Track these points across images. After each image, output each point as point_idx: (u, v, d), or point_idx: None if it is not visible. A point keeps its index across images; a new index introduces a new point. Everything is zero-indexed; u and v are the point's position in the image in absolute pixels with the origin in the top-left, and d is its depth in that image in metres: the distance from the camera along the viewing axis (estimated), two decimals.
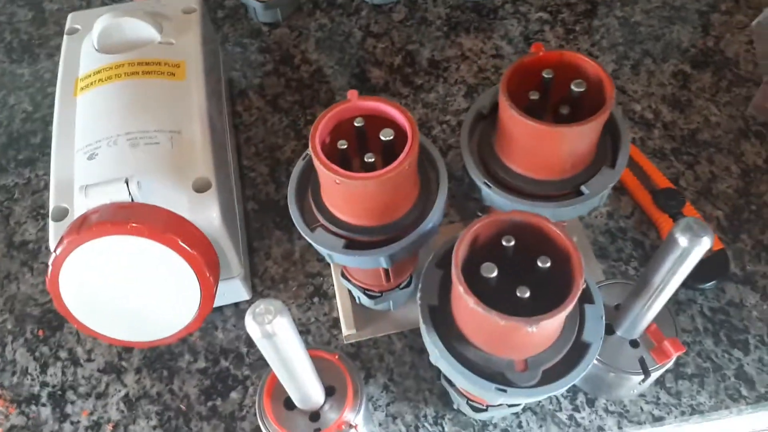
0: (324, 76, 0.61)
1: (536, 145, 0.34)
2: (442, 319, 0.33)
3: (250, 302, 0.49)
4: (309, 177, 0.38)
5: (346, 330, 0.46)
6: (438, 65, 0.61)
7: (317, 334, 0.47)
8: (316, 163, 0.33)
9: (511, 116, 0.33)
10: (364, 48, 0.63)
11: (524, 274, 0.31)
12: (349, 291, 0.47)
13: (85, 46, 0.48)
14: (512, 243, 0.31)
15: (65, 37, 0.50)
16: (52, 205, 0.41)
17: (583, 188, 0.36)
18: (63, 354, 0.48)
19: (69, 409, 0.46)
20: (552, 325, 0.29)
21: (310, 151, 0.34)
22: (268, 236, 0.52)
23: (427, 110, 0.58)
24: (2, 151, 0.58)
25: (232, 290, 0.47)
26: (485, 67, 0.61)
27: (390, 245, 0.36)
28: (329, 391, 0.40)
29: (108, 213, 0.36)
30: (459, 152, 0.55)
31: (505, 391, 0.31)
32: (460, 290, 0.29)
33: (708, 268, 0.47)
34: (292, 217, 0.37)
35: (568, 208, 0.36)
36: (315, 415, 0.39)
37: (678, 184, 0.52)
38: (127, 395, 0.46)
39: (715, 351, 0.45)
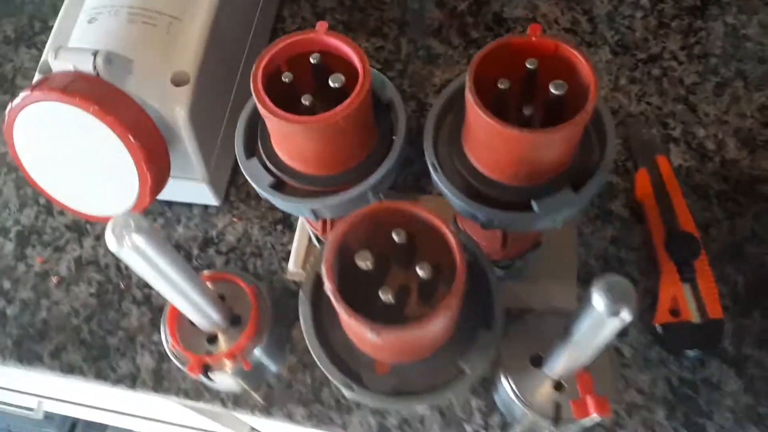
0: (381, 2, 0.57)
1: (488, 139, 0.30)
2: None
3: (219, 208, 0.48)
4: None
5: (293, 267, 0.45)
6: (503, 23, 0.55)
7: (267, 260, 0.46)
8: (252, 88, 0.31)
9: (468, 100, 0.29)
10: None
11: (401, 275, 0.28)
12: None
13: None
14: (402, 238, 0.27)
15: None
16: (42, 58, 0.42)
17: (533, 203, 0.31)
18: (42, 200, 0.50)
19: (29, 251, 0.48)
20: (400, 340, 0.26)
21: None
22: None
23: None
24: None
25: (198, 192, 0.46)
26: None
27: (313, 199, 0.33)
28: (236, 320, 0.39)
29: (64, 80, 0.36)
30: None
31: (352, 388, 0.29)
32: (323, 272, 0.26)
33: (696, 334, 0.41)
34: (236, 138, 0.35)
35: (511, 220, 0.31)
36: (213, 338, 0.39)
37: (706, 232, 0.45)
38: (80, 257, 0.47)
39: (663, 424, 0.40)
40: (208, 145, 0.44)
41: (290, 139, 0.32)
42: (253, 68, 0.31)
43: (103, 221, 0.44)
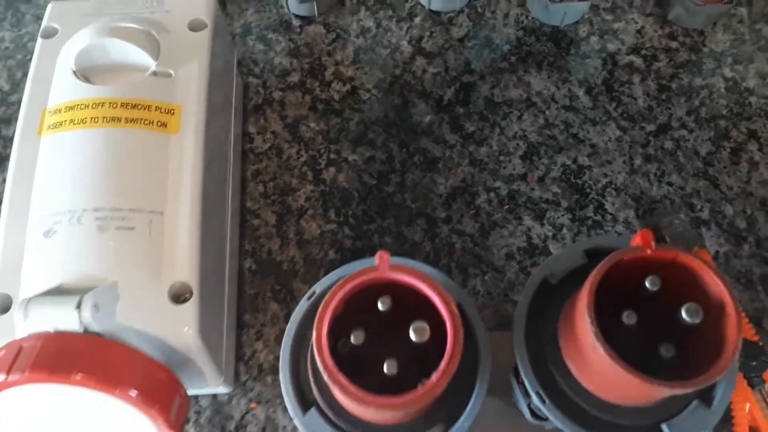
0: (358, 101, 0.51)
1: (617, 382, 0.25)
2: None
3: (230, 396, 0.42)
4: (311, 329, 0.30)
5: None
6: (496, 109, 0.50)
7: None
8: (317, 358, 0.25)
9: (592, 345, 0.24)
10: (411, 70, 0.52)
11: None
12: None
13: (62, 62, 0.38)
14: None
15: (39, 40, 0.39)
16: None
17: (664, 430, 0.27)
18: None
19: None
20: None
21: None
22: (263, 309, 0.44)
23: (473, 169, 0.48)
24: None
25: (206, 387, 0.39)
26: (554, 121, 0.50)
27: None
28: None
29: (47, 355, 0.28)
30: (502, 233, 0.46)
31: None
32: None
33: None
34: (284, 391, 0.29)
35: None
36: None
37: (761, 327, 0.43)
38: None
39: None
40: (216, 344, 0.37)
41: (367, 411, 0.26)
42: (315, 340, 0.25)
43: None
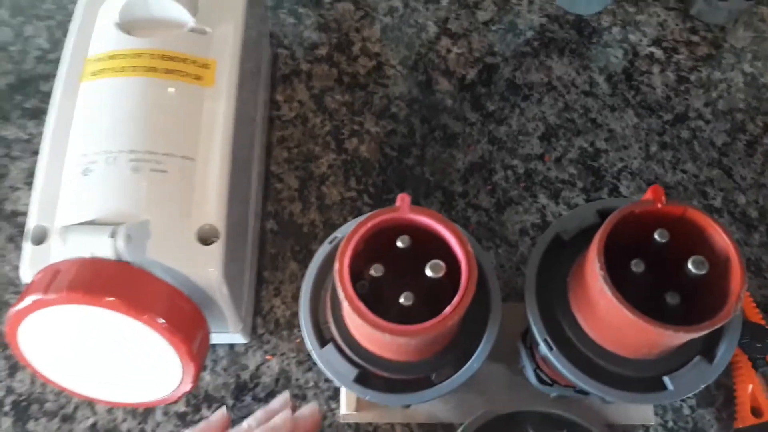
0: (383, 76, 0.52)
1: (623, 328, 0.26)
2: None
3: (247, 345, 0.43)
4: (331, 270, 0.31)
5: (346, 408, 0.40)
6: (518, 90, 0.51)
7: (313, 402, 0.42)
8: (338, 287, 0.26)
9: (600, 290, 0.26)
10: (435, 49, 0.53)
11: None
12: None
13: (103, 15, 0.40)
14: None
15: None
16: (31, 223, 0.35)
17: (666, 381, 0.28)
18: None
19: (31, 425, 0.41)
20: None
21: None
22: (282, 267, 0.45)
23: (492, 147, 0.49)
24: (8, 94, 0.51)
25: (224, 335, 0.41)
26: (573, 105, 0.51)
27: (408, 393, 0.29)
28: None
29: (83, 277, 0.30)
30: (517, 209, 0.47)
31: None
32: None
33: None
34: (302, 323, 0.30)
35: (641, 399, 0.28)
36: None
37: (767, 313, 0.44)
38: (95, 425, 0.41)
39: None
40: (238, 291, 0.38)
41: (378, 339, 0.27)
42: (337, 270, 0.26)
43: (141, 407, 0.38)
